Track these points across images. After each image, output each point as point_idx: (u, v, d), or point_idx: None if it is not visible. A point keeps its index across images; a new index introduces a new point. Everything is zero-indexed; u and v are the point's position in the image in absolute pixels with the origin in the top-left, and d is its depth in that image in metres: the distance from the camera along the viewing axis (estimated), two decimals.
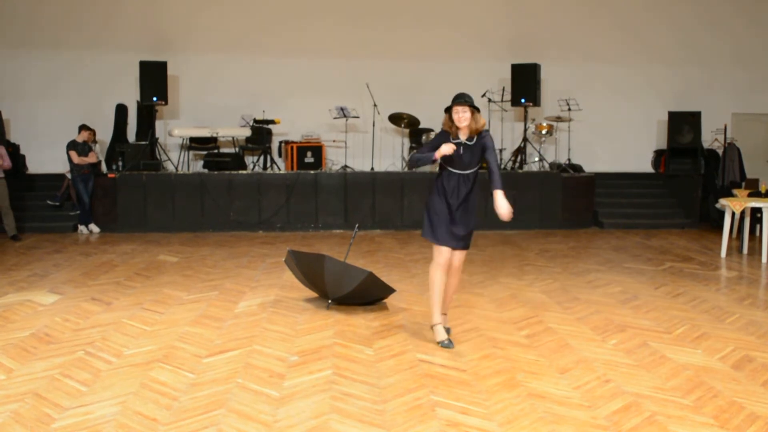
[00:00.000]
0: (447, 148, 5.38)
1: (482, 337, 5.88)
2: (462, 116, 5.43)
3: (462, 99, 5.46)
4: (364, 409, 4.29)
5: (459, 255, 5.68)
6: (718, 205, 11.03)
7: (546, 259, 9.72)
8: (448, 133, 5.56)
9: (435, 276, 5.61)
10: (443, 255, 5.58)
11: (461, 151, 5.51)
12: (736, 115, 15.33)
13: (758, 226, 10.83)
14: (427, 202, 5.73)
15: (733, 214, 10.46)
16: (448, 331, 5.77)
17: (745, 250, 10.39)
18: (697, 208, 13.52)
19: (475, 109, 5.48)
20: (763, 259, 9.65)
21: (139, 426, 4.03)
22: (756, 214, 10.79)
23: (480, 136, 5.52)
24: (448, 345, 5.52)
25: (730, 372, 5.03)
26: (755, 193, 10.74)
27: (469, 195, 5.60)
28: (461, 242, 5.63)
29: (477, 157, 5.55)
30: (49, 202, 12.82)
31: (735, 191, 11.88)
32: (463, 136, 5.52)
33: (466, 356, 5.35)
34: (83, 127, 12.34)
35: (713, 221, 13.07)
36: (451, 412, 4.24)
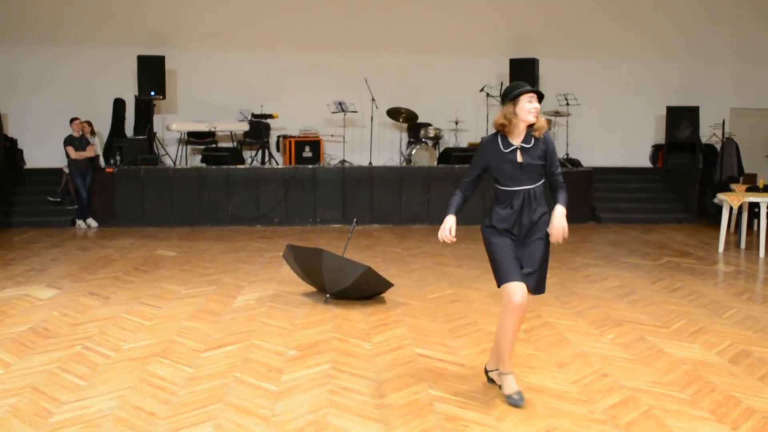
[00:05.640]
0: (444, 236, 4.31)
1: (480, 331, 5.88)
2: (533, 107, 4.18)
3: (531, 87, 4.24)
4: (363, 403, 4.30)
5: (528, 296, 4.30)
6: (715, 200, 11.03)
7: None
8: (497, 137, 4.31)
9: (507, 323, 4.24)
10: (517, 293, 4.17)
11: (518, 157, 4.24)
12: (734, 109, 15.33)
13: (756, 221, 10.83)
14: (483, 240, 4.39)
15: (731, 208, 10.46)
16: (519, 398, 4.32)
17: (743, 245, 10.40)
18: (695, 203, 13.54)
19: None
20: (761, 254, 9.66)
21: (137, 420, 4.04)
22: (754, 208, 10.79)
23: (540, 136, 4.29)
24: (518, 401, 4.25)
25: (727, 366, 5.04)
26: (753, 188, 10.74)
27: (540, 218, 4.28)
28: (530, 278, 4.25)
29: (539, 164, 4.25)
30: (49, 198, 12.81)
31: (733, 186, 11.88)
32: (517, 139, 4.26)
33: (464, 350, 5.35)
34: (74, 120, 12.34)
35: (711, 216, 13.08)
36: (449, 407, 4.24)
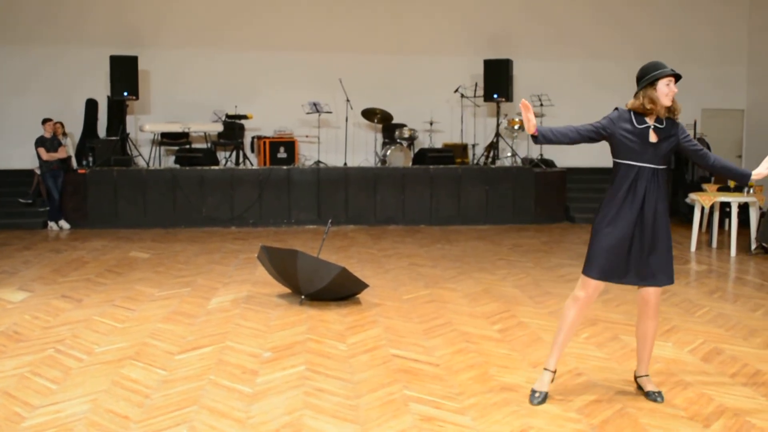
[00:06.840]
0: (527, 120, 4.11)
1: (455, 331, 5.90)
2: (671, 91, 4.20)
3: (670, 69, 4.19)
4: (338, 404, 4.29)
5: (653, 290, 4.34)
6: (687, 200, 11.15)
7: (518, 254, 9.77)
8: (630, 113, 4.25)
9: (571, 312, 4.30)
10: (588, 287, 4.27)
11: (651, 137, 4.18)
12: (706, 110, 15.51)
13: (727, 221, 10.98)
14: (594, 224, 4.35)
15: (703, 208, 10.59)
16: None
17: (715, 244, 10.52)
18: (667, 203, 13.65)
19: None
20: (732, 253, 9.78)
21: (110, 424, 4.00)
22: (725, 208, 10.93)
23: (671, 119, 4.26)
24: (537, 399, 4.26)
25: (699, 364, 5.09)
26: (724, 188, 10.88)
27: (662, 203, 4.31)
28: (646, 272, 4.27)
29: (670, 147, 4.23)
30: (20, 200, 12.65)
31: (704, 186, 12.02)
32: (650, 119, 4.22)
33: (439, 351, 5.36)
34: (46, 121, 12.21)
35: (683, 216, 13.20)
36: (424, 407, 4.25)
